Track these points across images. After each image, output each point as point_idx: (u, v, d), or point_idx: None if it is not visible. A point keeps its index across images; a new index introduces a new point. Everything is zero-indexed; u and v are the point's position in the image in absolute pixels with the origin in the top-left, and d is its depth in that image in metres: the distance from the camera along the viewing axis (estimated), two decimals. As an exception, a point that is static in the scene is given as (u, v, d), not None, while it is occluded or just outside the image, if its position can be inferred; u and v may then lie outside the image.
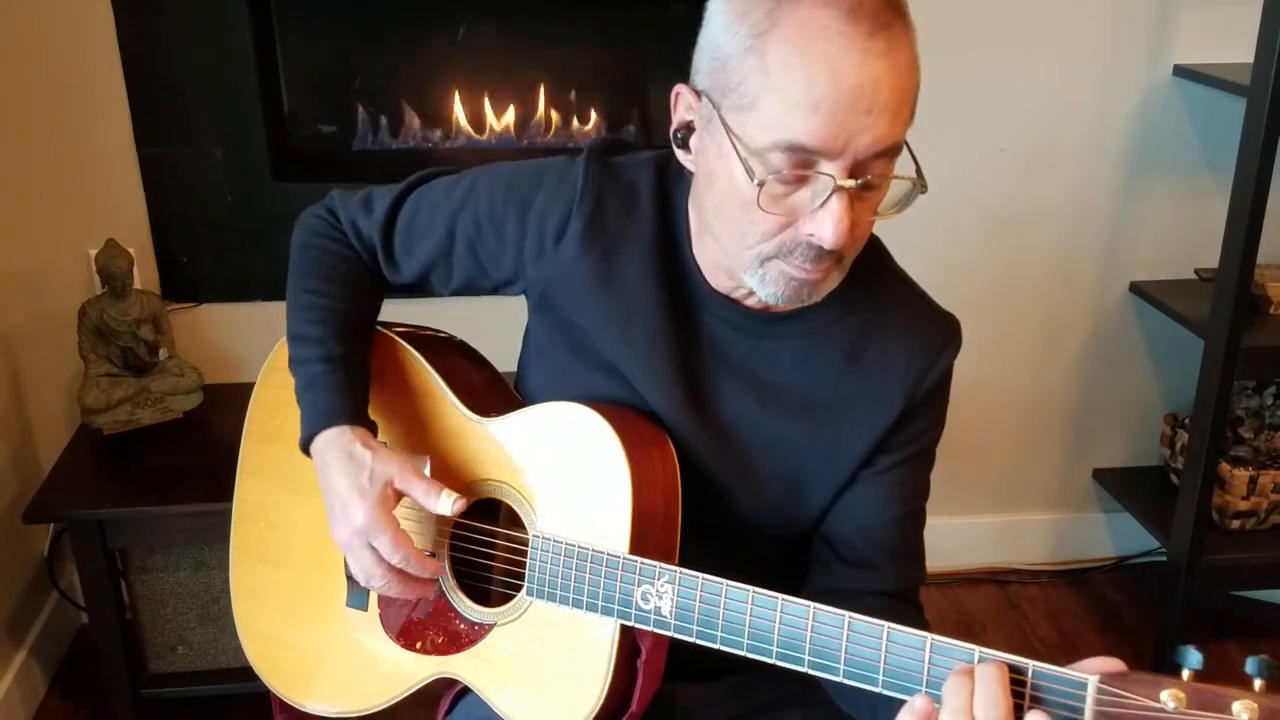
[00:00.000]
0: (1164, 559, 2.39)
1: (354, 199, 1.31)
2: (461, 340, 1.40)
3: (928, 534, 1.24)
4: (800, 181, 0.99)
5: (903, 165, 1.02)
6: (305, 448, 1.19)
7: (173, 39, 2.15)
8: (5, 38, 2.11)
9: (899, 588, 1.20)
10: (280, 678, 1.33)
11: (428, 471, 1.18)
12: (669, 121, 1.10)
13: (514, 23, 2.33)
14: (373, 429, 1.20)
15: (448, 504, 1.13)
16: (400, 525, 1.14)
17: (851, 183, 0.97)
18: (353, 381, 1.21)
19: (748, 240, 1.04)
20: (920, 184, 1.03)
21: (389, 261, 1.30)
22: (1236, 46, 2.24)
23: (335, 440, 1.16)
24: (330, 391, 1.19)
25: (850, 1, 0.94)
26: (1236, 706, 0.82)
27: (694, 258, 1.16)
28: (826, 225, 0.98)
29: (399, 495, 1.15)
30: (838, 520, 1.20)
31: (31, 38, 2.12)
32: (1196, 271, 2.42)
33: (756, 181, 0.98)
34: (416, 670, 1.24)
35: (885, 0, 0.96)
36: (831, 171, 0.97)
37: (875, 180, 1.00)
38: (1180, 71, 2.32)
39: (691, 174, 1.12)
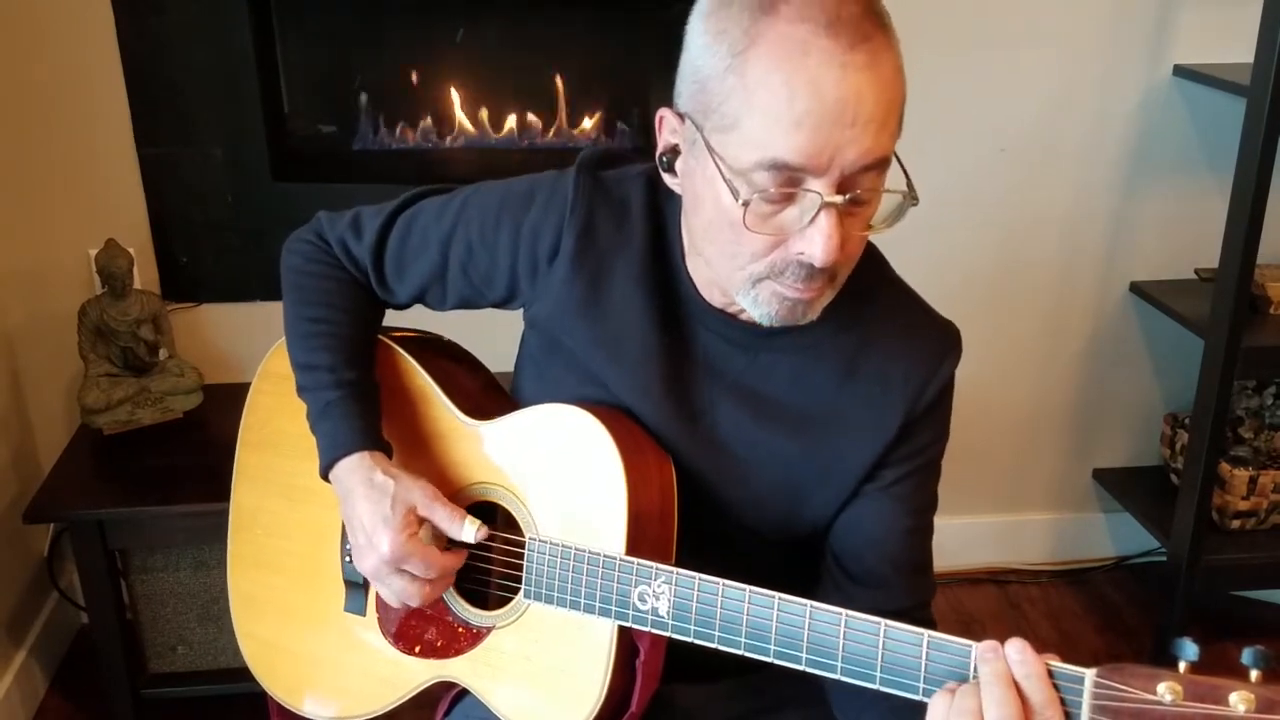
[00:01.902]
0: (1164, 559, 2.39)
1: (342, 221, 1.30)
2: (455, 343, 1.40)
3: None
4: (787, 200, 0.98)
5: (894, 178, 1.01)
6: (325, 475, 1.20)
7: (173, 39, 2.15)
8: (5, 38, 2.11)
9: (910, 604, 1.17)
10: (279, 682, 1.34)
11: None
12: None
13: (514, 23, 2.33)
14: (388, 451, 1.20)
15: (470, 531, 1.13)
16: (425, 542, 1.14)
17: (839, 198, 0.96)
18: (366, 405, 1.21)
19: (738, 261, 1.03)
20: (911, 197, 1.01)
21: (382, 285, 1.29)
22: (1236, 46, 2.24)
23: (356, 468, 1.17)
24: (346, 418, 1.19)
25: (828, 15, 0.93)
26: (1233, 698, 0.82)
27: (688, 272, 1.15)
28: (816, 243, 0.97)
29: (421, 521, 1.15)
30: (846, 536, 1.19)
31: (31, 38, 2.12)
32: (1196, 271, 2.42)
33: (741, 202, 0.97)
34: (415, 674, 1.24)
35: (864, 11, 0.94)
36: (818, 188, 0.96)
37: (864, 195, 0.98)
38: (1180, 71, 2.32)
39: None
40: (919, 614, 1.18)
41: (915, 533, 1.19)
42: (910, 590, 1.18)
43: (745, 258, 1.02)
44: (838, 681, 1.00)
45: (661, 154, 1.08)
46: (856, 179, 0.97)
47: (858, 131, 0.94)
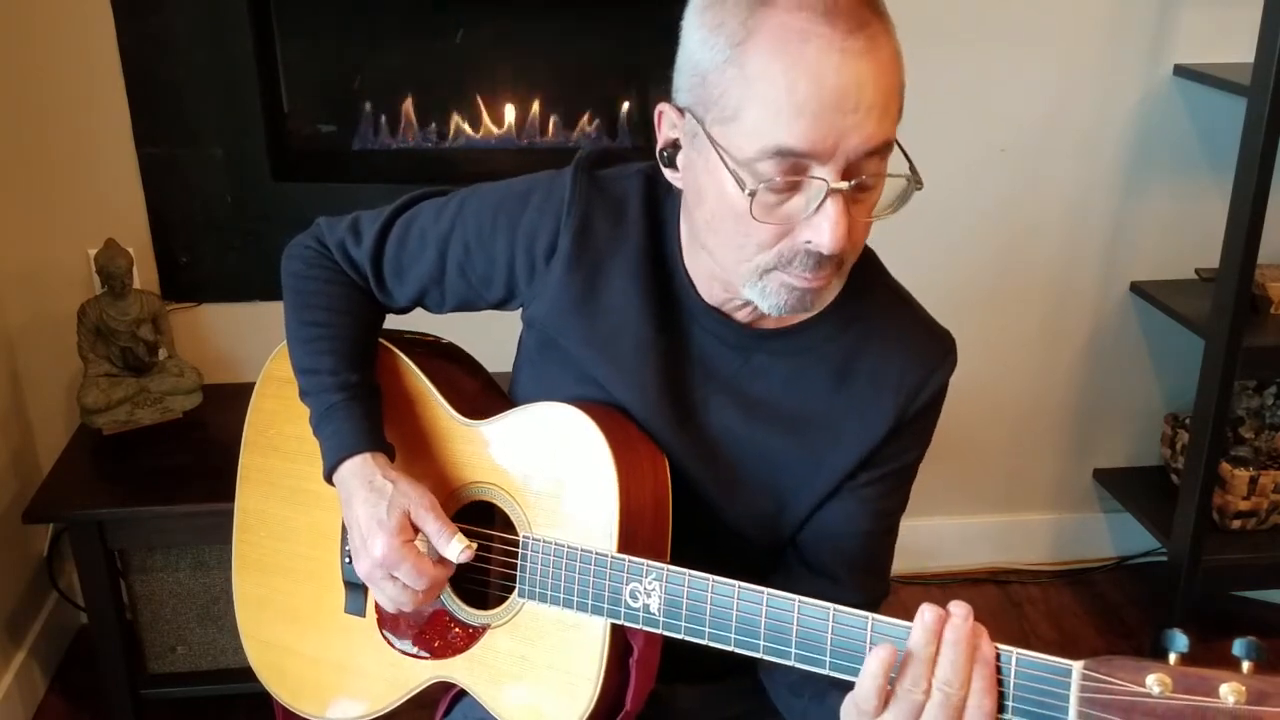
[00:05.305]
0: (1164, 559, 2.39)
1: (341, 225, 1.30)
2: (452, 343, 1.40)
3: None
4: (793, 189, 0.98)
5: (896, 164, 1.01)
6: (328, 478, 1.20)
7: (173, 39, 2.15)
8: (5, 38, 2.11)
9: (856, 602, 1.15)
10: (283, 684, 1.34)
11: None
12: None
13: (513, 23, 2.33)
14: (390, 453, 1.20)
15: (456, 549, 1.13)
16: (419, 551, 1.14)
17: (845, 184, 0.96)
18: (368, 407, 1.21)
19: (745, 253, 1.02)
20: (915, 180, 1.02)
21: (381, 288, 1.29)
22: (1236, 46, 2.24)
23: (358, 470, 1.17)
24: (349, 420, 1.19)
25: (825, 3, 0.93)
26: (1224, 689, 0.81)
27: (686, 270, 1.15)
28: (824, 230, 0.97)
29: (417, 527, 1.15)
30: (809, 527, 1.19)
31: (31, 38, 2.12)
32: (1197, 271, 2.42)
33: (748, 192, 0.97)
34: (414, 674, 1.24)
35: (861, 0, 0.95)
36: (824, 175, 0.96)
37: (869, 180, 0.98)
38: (1180, 71, 2.32)
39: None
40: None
41: (875, 536, 1.19)
42: (859, 588, 1.18)
43: (752, 249, 1.02)
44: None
45: (662, 149, 1.08)
46: (860, 165, 0.97)
47: (860, 117, 0.94)
